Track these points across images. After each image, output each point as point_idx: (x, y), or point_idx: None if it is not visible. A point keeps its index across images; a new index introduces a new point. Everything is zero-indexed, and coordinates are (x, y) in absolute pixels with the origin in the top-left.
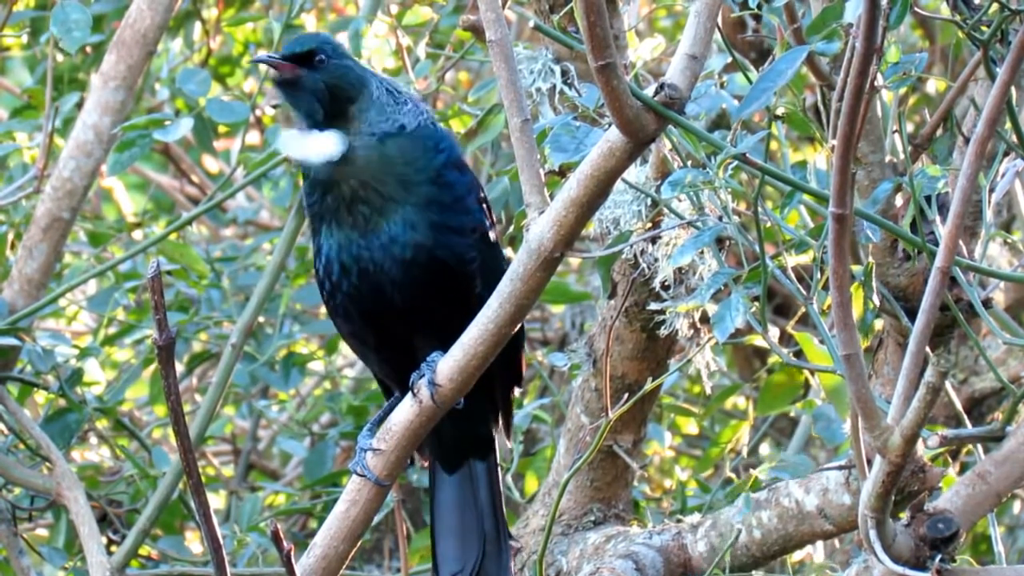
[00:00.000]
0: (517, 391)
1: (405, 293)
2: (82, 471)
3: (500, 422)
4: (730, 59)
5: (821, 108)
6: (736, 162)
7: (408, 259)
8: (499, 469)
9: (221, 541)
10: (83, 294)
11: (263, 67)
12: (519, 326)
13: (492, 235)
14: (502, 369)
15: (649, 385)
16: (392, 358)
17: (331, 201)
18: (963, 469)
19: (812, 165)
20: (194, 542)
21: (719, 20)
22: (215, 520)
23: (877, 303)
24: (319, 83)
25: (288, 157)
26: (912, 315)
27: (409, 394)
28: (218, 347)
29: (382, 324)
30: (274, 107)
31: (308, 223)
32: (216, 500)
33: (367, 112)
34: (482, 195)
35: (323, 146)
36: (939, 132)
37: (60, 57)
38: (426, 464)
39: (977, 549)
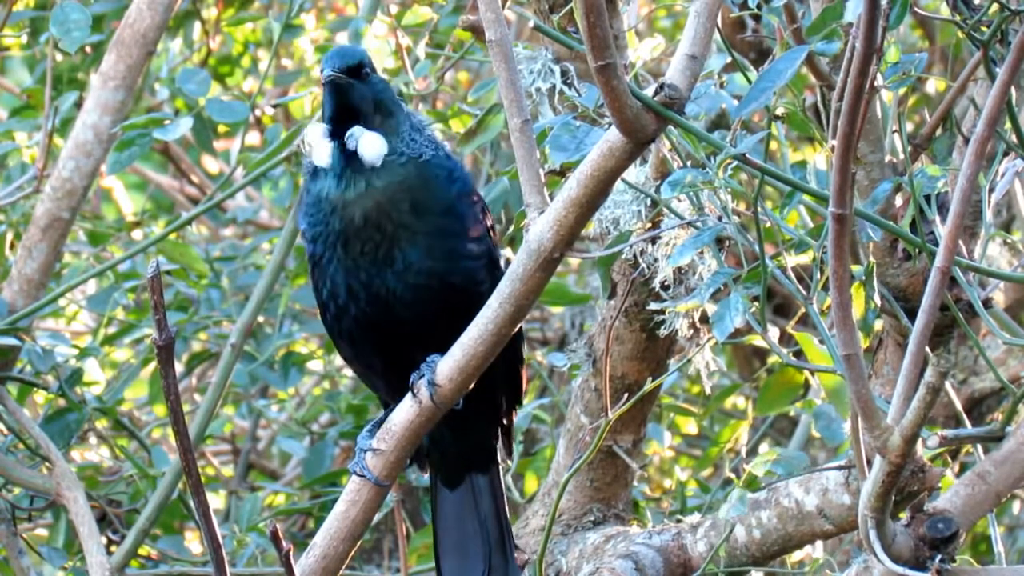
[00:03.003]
0: (517, 414)
1: (416, 315)
2: (82, 471)
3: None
4: (730, 59)
5: (821, 108)
6: (736, 162)
7: (422, 285)
8: (502, 481)
9: (221, 541)
10: (82, 294)
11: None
12: (520, 335)
13: (500, 260)
14: (504, 383)
15: (649, 385)
16: (396, 378)
17: (338, 224)
18: (963, 469)
19: (812, 165)
20: (194, 542)
21: (719, 20)
22: (215, 520)
23: (878, 303)
24: (367, 95)
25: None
26: (912, 315)
27: (409, 394)
28: (217, 347)
29: (388, 345)
30: (274, 106)
31: (304, 239)
32: (216, 500)
33: (396, 132)
34: (489, 223)
35: (372, 147)
36: (939, 132)
37: (59, 57)
38: (427, 475)
39: (977, 549)
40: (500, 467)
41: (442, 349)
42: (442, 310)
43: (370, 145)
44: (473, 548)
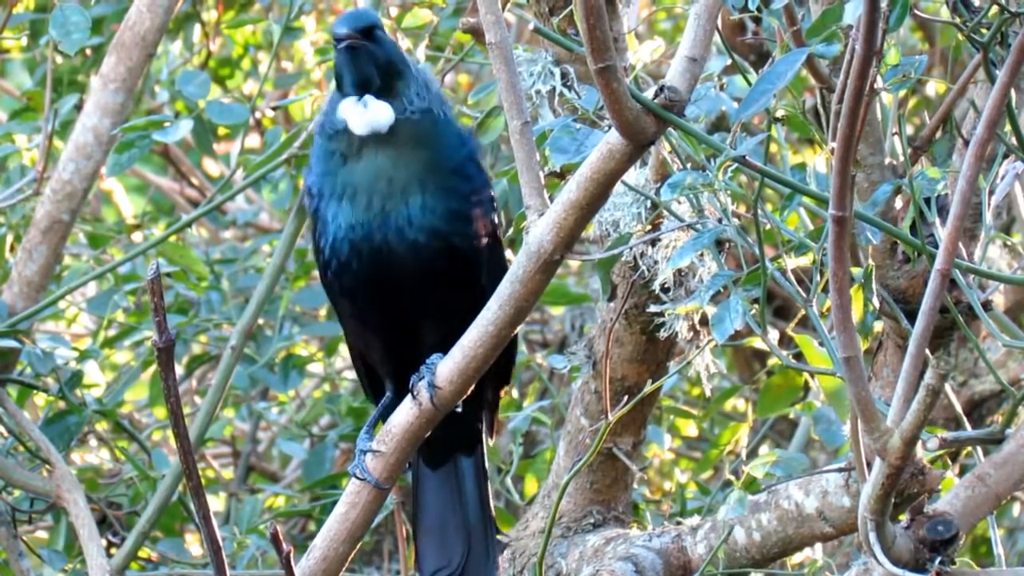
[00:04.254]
0: (506, 391)
1: (417, 275)
2: (82, 473)
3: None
4: (730, 61)
5: (821, 110)
6: (736, 164)
7: (422, 243)
8: (486, 462)
9: (221, 543)
10: (83, 296)
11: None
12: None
13: (499, 232)
14: (495, 367)
15: (649, 387)
16: (392, 342)
17: (348, 176)
18: (963, 471)
19: (812, 167)
20: (194, 544)
21: (719, 22)
22: (215, 522)
23: (877, 305)
24: (378, 55)
25: (345, 125)
26: (912, 317)
27: (408, 396)
28: (218, 349)
29: (388, 305)
30: (274, 109)
31: (310, 197)
32: (216, 502)
33: (409, 90)
34: (494, 194)
35: (379, 115)
36: (939, 134)
37: (59, 59)
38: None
39: (977, 551)
40: (485, 449)
41: (439, 317)
42: (444, 272)
43: (376, 114)
44: (453, 530)
